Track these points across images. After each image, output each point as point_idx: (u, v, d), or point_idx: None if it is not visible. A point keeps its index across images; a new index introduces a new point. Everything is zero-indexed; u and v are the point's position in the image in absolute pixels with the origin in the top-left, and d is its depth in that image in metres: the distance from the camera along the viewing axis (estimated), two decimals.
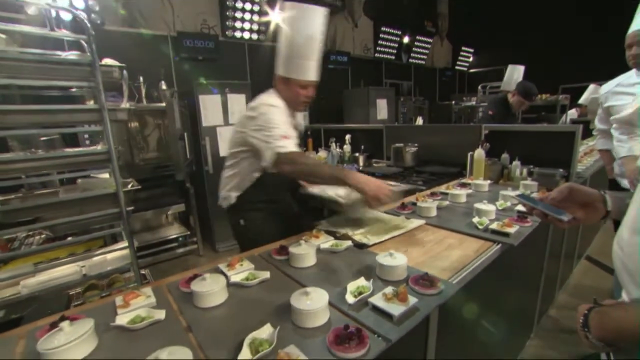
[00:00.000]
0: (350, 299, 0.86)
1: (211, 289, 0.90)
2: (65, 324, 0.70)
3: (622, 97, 1.89)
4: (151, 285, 1.04)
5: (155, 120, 3.33)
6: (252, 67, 4.80)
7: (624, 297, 0.72)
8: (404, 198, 1.77)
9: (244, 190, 1.62)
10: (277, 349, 0.68)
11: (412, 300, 0.83)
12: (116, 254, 1.65)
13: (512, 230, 1.27)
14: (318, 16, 1.44)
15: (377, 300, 0.84)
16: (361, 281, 0.94)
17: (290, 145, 1.37)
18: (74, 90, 1.64)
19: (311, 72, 1.50)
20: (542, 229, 1.85)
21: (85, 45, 1.40)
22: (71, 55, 1.33)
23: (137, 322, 0.81)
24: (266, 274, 1.03)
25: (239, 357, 0.67)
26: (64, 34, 1.34)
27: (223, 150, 3.61)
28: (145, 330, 0.81)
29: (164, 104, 3.10)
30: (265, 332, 0.74)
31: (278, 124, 1.40)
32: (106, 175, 2.27)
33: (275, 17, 4.84)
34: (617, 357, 0.66)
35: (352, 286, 0.91)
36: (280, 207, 1.69)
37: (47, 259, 1.68)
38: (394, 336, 0.75)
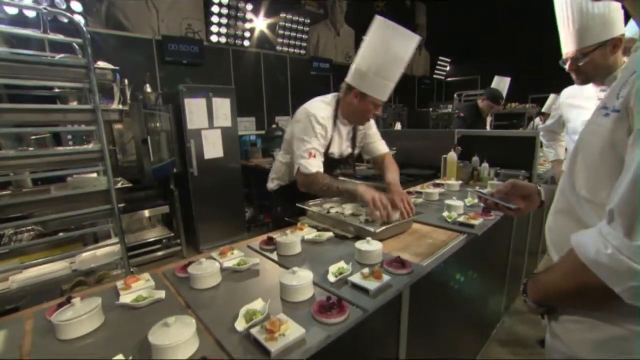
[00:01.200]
0: (331, 278, 0.97)
1: (207, 271, 0.99)
2: (76, 300, 0.78)
3: (577, 110, 2.13)
4: (149, 271, 1.11)
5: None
6: (236, 72, 4.88)
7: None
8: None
9: (286, 183, 1.74)
10: (268, 318, 0.79)
11: (386, 278, 0.95)
12: (105, 250, 1.70)
13: (476, 222, 1.42)
14: (411, 42, 1.46)
15: (355, 278, 0.96)
16: (341, 264, 1.05)
17: (311, 165, 1.49)
18: (57, 90, 1.69)
19: (388, 93, 1.53)
20: (506, 225, 2.05)
21: (77, 48, 1.47)
22: (66, 57, 1.39)
23: (139, 300, 0.89)
24: (256, 260, 1.13)
25: (235, 324, 0.77)
26: (60, 38, 1.40)
27: (208, 153, 3.67)
28: (148, 307, 0.89)
29: (126, 107, 3.12)
30: (258, 304, 0.85)
31: (310, 140, 1.50)
32: (94, 175, 2.30)
33: (260, 24, 4.96)
34: (551, 318, 0.80)
35: (333, 268, 1.02)
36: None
37: (42, 256, 1.69)
38: (370, 307, 0.86)
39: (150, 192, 3.81)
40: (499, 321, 2.27)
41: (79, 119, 1.49)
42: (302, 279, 0.90)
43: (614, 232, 0.52)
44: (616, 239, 0.52)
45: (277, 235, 1.27)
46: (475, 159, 2.52)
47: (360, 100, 1.53)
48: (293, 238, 1.22)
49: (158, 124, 3.41)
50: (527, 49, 7.21)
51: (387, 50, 1.44)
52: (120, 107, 1.57)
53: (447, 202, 1.64)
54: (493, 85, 3.99)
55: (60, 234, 1.61)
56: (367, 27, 1.49)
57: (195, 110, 3.50)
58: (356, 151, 1.85)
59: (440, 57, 8.89)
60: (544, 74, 6.83)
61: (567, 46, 1.41)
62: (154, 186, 3.75)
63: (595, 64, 1.35)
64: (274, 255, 1.22)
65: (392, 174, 1.71)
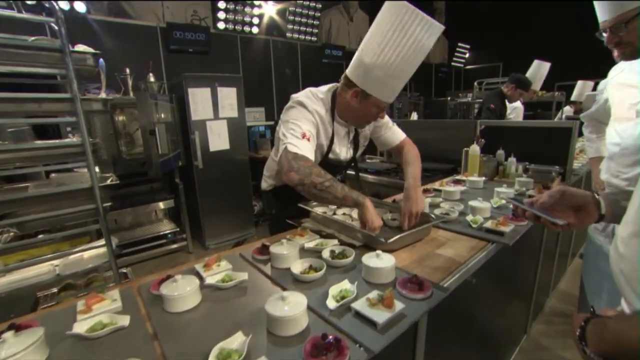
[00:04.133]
0: (331, 303, 0.79)
1: (182, 293, 0.83)
2: (8, 335, 0.63)
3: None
4: (120, 287, 0.97)
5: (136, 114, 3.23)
6: (244, 61, 4.70)
7: (624, 305, 0.67)
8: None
9: (281, 183, 1.45)
10: None
11: (399, 306, 0.76)
12: (94, 252, 1.57)
13: (507, 229, 1.21)
14: (434, 33, 1.14)
15: (361, 305, 0.77)
16: (344, 284, 0.87)
17: (304, 147, 1.16)
18: (59, 79, 1.56)
19: (397, 94, 1.26)
20: (538, 227, 1.80)
21: (56, 31, 1.31)
22: (39, 39, 1.23)
23: (97, 329, 0.74)
24: (244, 275, 0.96)
25: None
26: (31, 17, 1.25)
27: (213, 145, 3.53)
28: (105, 338, 0.73)
29: (110, 97, 2.99)
30: (236, 341, 0.68)
31: (300, 123, 1.21)
32: (84, 171, 2.18)
33: (269, 9, 4.74)
34: None
35: (334, 290, 0.84)
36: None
37: (29, 256, 1.59)
38: (377, 346, 0.68)
39: (156, 185, 3.72)
40: (523, 337, 2.05)
41: (57, 109, 1.35)
42: (293, 308, 0.72)
43: None
44: None
45: (272, 243, 1.10)
46: (501, 152, 2.27)
47: (362, 101, 1.24)
48: (289, 249, 1.04)
49: (163, 115, 3.28)
50: (552, 35, 6.71)
51: (402, 42, 1.12)
52: (104, 96, 1.42)
53: (471, 203, 1.43)
54: (531, 71, 3.64)
55: (40, 235, 1.49)
56: None
57: (199, 100, 3.34)
58: (359, 153, 1.57)
59: (460, 44, 8.43)
60: (570, 60, 6.37)
61: (604, 14, 1.11)
62: (159, 179, 3.65)
63: None
64: (268, 268, 1.04)
65: (412, 167, 1.43)
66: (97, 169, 2.78)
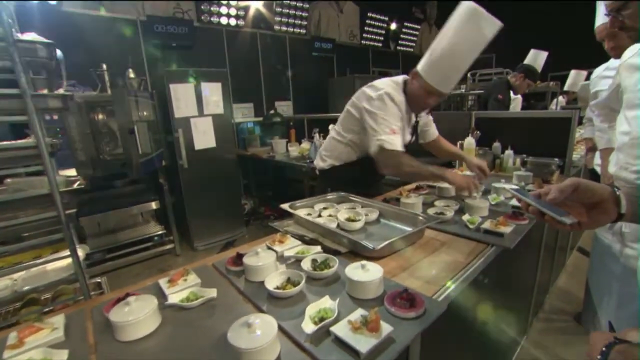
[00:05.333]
0: (308, 327, 0.68)
1: (136, 317, 0.71)
2: None
3: (610, 80, 1.71)
4: (71, 309, 0.84)
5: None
6: (230, 55, 4.53)
7: None
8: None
9: (340, 163, 1.65)
10: None
11: (386, 329, 0.65)
12: (60, 264, 1.44)
13: (507, 229, 1.10)
14: (492, 27, 1.30)
15: (342, 329, 0.66)
16: (325, 301, 0.76)
17: (396, 142, 1.38)
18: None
19: (453, 84, 1.43)
20: (539, 223, 1.71)
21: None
22: None
23: None
24: (212, 292, 0.84)
25: None
26: None
27: (198, 143, 3.38)
28: None
29: (108, 93, 2.83)
30: None
31: (389, 118, 1.40)
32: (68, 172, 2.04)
33: (255, 2, 4.57)
34: None
35: (311, 309, 0.72)
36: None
37: None
38: None
39: (141, 186, 3.57)
40: (523, 337, 1.96)
41: (10, 107, 1.20)
42: (259, 337, 0.61)
43: None
44: None
45: (246, 254, 0.98)
46: (497, 145, 2.17)
47: (428, 92, 1.42)
48: (265, 259, 0.92)
49: (144, 113, 3.12)
50: (545, 26, 6.63)
51: (466, 37, 1.30)
52: (62, 91, 1.28)
53: (468, 201, 1.32)
54: (528, 60, 3.55)
55: None
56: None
57: (182, 96, 3.19)
58: (413, 139, 1.75)
59: None
60: (563, 50, 6.29)
61: None
62: (143, 180, 3.50)
63: None
64: (242, 281, 0.93)
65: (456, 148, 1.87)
66: (73, 172, 2.62)
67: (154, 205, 3.44)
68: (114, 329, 0.71)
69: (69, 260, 1.47)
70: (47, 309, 1.39)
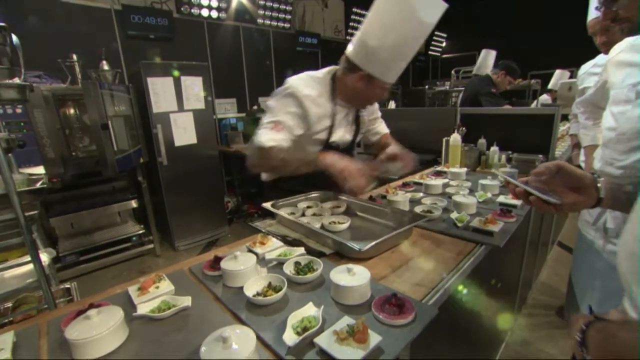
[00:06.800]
0: (290, 338, 0.62)
1: (95, 334, 0.63)
2: None
3: (597, 77, 1.73)
4: (22, 325, 0.75)
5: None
6: (212, 49, 4.39)
7: (627, 308, 0.56)
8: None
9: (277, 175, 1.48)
10: None
11: (374, 338, 0.60)
12: (21, 270, 1.33)
13: (496, 227, 1.07)
14: (438, 10, 1.13)
15: (326, 341, 0.60)
16: (308, 309, 0.70)
17: (270, 139, 1.20)
18: None
19: (399, 73, 1.26)
20: (524, 221, 1.70)
21: None
22: None
23: None
24: (187, 301, 0.77)
25: None
26: None
27: (179, 139, 3.26)
28: None
29: (79, 86, 2.67)
30: None
31: (278, 112, 1.25)
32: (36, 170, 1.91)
33: None
34: None
35: (294, 318, 0.67)
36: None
37: None
38: None
39: (119, 184, 3.41)
40: (507, 333, 1.97)
41: None
42: (236, 352, 0.55)
43: None
44: None
45: (225, 257, 0.91)
46: (482, 141, 2.16)
47: (367, 84, 1.24)
48: (245, 263, 0.86)
49: (120, 107, 2.96)
50: (527, 24, 6.75)
51: (407, 22, 1.11)
52: (17, 81, 1.16)
53: (456, 199, 1.29)
54: (480, 59, 3.66)
55: None
56: None
57: (160, 90, 3.05)
58: (358, 138, 1.54)
59: (436, 33, 8.36)
60: (544, 49, 6.43)
61: None
62: (121, 178, 3.34)
63: None
64: (219, 288, 0.86)
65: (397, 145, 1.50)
66: (41, 170, 2.46)
67: (132, 204, 3.30)
68: (71, 348, 0.63)
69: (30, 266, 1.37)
70: (5, 320, 1.28)
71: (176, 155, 3.25)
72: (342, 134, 1.42)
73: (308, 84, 1.29)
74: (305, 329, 0.64)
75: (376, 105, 1.63)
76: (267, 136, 1.21)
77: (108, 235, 3.26)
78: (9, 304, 1.36)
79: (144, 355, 0.64)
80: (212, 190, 3.69)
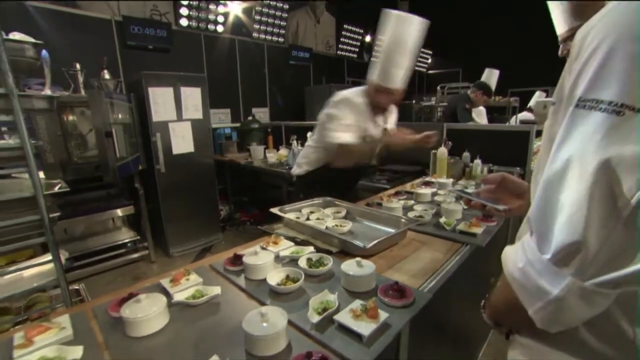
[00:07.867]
0: (313, 317, 0.75)
1: (147, 314, 0.74)
2: None
3: None
4: (71, 310, 0.85)
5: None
6: (209, 61, 4.51)
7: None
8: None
9: (314, 168, 1.81)
10: None
11: (383, 315, 0.74)
12: (37, 270, 1.40)
13: (479, 230, 1.24)
14: (413, 24, 1.51)
15: (344, 317, 0.74)
16: (325, 295, 0.83)
17: (346, 137, 1.57)
18: None
19: (399, 79, 1.59)
20: (504, 224, 1.88)
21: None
22: None
23: None
24: (217, 290, 0.88)
25: None
26: None
27: (177, 148, 3.34)
28: None
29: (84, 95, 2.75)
30: None
31: (342, 117, 1.61)
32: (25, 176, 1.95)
33: (235, 8, 4.60)
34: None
35: (314, 302, 0.79)
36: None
37: None
38: None
39: (113, 190, 3.45)
40: (490, 330, 2.12)
41: None
42: (272, 325, 0.67)
43: (531, 244, 0.44)
44: (531, 252, 0.43)
45: (246, 252, 1.03)
46: (467, 154, 2.35)
47: (376, 92, 1.63)
48: (264, 258, 0.98)
49: (120, 115, 3.04)
50: (509, 43, 7.18)
51: (392, 37, 1.51)
52: (49, 92, 1.26)
53: (444, 206, 1.45)
54: (483, 78, 3.91)
55: None
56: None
57: (161, 100, 3.15)
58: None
59: (422, 49, 8.75)
60: (524, 68, 6.85)
61: (558, 26, 1.20)
62: (116, 184, 3.38)
63: None
64: (241, 280, 0.98)
65: None
66: (41, 175, 2.50)
67: (127, 210, 3.33)
68: (126, 325, 0.74)
69: (47, 266, 1.44)
70: (20, 319, 1.34)
71: (174, 163, 3.33)
72: (371, 128, 1.77)
73: (357, 95, 1.69)
74: (325, 309, 0.77)
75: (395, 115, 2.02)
76: (342, 135, 1.57)
77: (102, 241, 3.27)
78: (21, 304, 1.42)
79: (190, 333, 0.75)
80: (207, 197, 3.76)
